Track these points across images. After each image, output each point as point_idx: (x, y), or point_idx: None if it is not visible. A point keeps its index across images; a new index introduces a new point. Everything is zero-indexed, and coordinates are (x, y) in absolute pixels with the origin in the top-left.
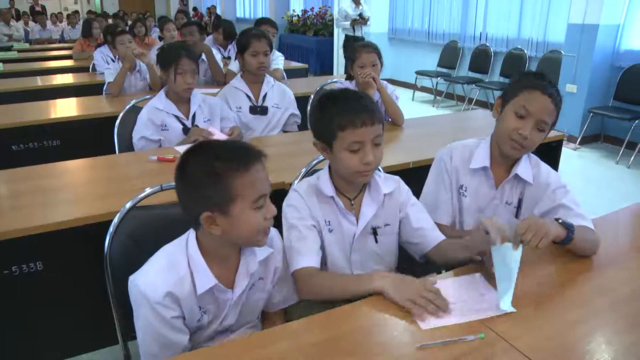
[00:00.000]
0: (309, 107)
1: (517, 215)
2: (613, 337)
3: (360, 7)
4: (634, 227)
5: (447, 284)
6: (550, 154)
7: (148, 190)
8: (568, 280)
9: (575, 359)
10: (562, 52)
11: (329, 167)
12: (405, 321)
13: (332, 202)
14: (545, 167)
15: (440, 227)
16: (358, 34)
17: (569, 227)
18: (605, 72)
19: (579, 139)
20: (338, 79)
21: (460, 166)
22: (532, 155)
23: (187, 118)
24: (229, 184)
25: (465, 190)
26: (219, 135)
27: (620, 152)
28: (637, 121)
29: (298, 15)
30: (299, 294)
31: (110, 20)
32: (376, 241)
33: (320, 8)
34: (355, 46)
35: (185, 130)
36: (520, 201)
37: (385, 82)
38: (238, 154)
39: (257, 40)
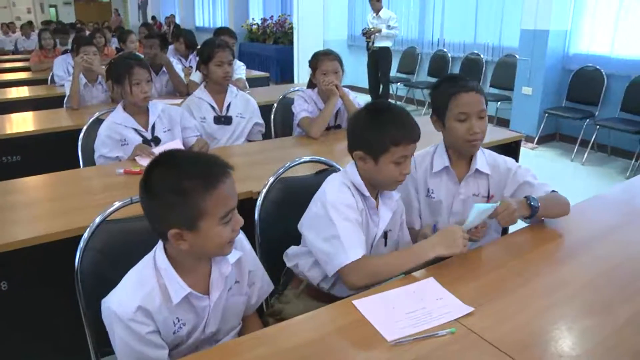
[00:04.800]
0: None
1: (487, 202)
2: (573, 324)
3: (378, 16)
4: (590, 221)
5: (403, 292)
6: (509, 154)
7: (118, 204)
8: (531, 274)
9: (540, 346)
10: (517, 56)
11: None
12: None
13: (365, 201)
14: (499, 156)
15: (411, 230)
16: (377, 45)
17: (533, 207)
18: (557, 75)
19: (536, 139)
20: (300, 87)
21: (426, 173)
22: (484, 149)
23: (147, 129)
24: (197, 202)
25: (433, 192)
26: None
27: (574, 150)
28: (588, 120)
29: (257, 23)
30: (352, 285)
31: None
32: (385, 244)
33: (279, 16)
34: (317, 54)
35: (145, 142)
36: (488, 191)
37: (347, 89)
38: (205, 171)
39: (221, 50)
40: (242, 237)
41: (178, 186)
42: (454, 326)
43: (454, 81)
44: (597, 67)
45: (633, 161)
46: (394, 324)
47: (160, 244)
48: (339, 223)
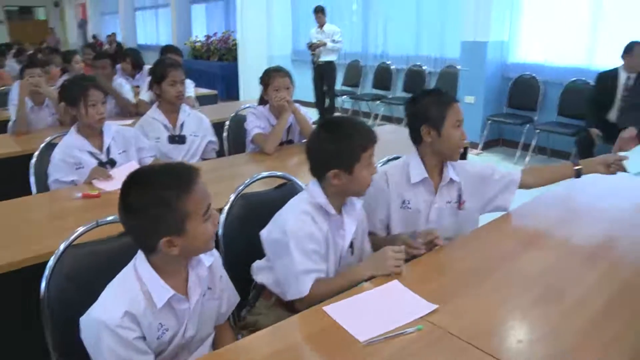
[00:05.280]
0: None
1: (459, 208)
2: (528, 312)
3: (322, 30)
4: (537, 218)
5: (370, 296)
6: None
7: (82, 229)
8: (488, 270)
9: (501, 334)
10: (458, 66)
11: (322, 189)
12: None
13: (330, 220)
14: (462, 162)
15: (375, 236)
16: (322, 59)
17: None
18: (497, 83)
19: (480, 145)
20: (251, 104)
21: (402, 184)
22: None
23: (101, 152)
24: (179, 207)
25: (409, 203)
26: (125, 174)
27: (517, 153)
28: (527, 125)
29: (201, 40)
30: (299, 309)
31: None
32: (352, 253)
33: (223, 33)
34: (268, 71)
35: (101, 164)
36: (459, 197)
37: (297, 105)
38: (178, 177)
39: (174, 69)
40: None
41: (158, 198)
42: (421, 323)
43: (441, 93)
44: (534, 75)
45: (571, 161)
46: (364, 325)
47: (140, 254)
48: (296, 255)
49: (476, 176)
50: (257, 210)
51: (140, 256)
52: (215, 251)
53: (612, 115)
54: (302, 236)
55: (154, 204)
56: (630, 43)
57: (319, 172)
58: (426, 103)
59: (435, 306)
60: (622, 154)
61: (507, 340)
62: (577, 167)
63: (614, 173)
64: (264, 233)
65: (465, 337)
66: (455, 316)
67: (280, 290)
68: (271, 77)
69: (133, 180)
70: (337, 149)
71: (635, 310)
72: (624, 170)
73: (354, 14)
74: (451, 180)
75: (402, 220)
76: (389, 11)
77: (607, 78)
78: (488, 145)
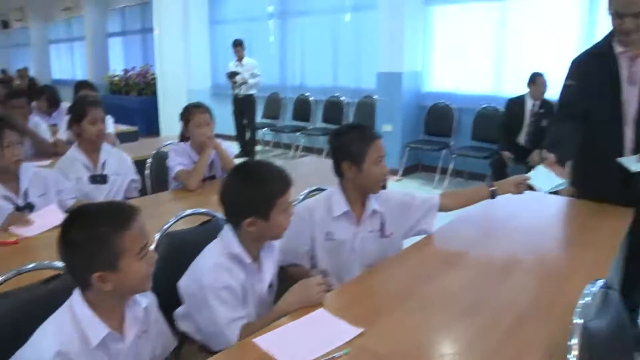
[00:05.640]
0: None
1: (382, 236)
2: (449, 329)
3: (241, 64)
4: (456, 238)
5: (298, 324)
6: None
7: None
8: (411, 290)
9: (425, 350)
10: (375, 96)
11: (237, 235)
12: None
13: (247, 269)
14: (384, 192)
15: (297, 267)
16: (242, 92)
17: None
18: (413, 112)
19: (400, 171)
20: (172, 141)
21: (325, 217)
22: None
23: (18, 195)
24: (114, 243)
25: (334, 235)
26: (44, 219)
27: (435, 178)
28: (444, 150)
29: (119, 75)
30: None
31: None
32: (269, 293)
33: (142, 67)
34: (188, 107)
35: (18, 209)
36: (382, 225)
37: (220, 139)
38: (117, 214)
39: (94, 107)
40: None
41: (96, 233)
42: (349, 347)
43: (363, 129)
44: (447, 103)
45: (486, 184)
46: (294, 353)
47: (75, 293)
48: (216, 307)
49: (398, 205)
50: (182, 248)
51: (76, 295)
52: (150, 293)
53: (521, 139)
54: (218, 288)
55: (90, 239)
56: (533, 74)
57: (234, 220)
58: (348, 139)
59: (360, 330)
60: (527, 174)
61: (431, 356)
62: (491, 189)
63: (521, 192)
64: (181, 284)
65: (392, 357)
66: (381, 337)
67: (205, 340)
68: (191, 113)
69: (74, 215)
70: (251, 197)
71: (545, 319)
72: (531, 189)
73: (271, 46)
74: (374, 211)
75: (327, 251)
76: (306, 43)
77: (515, 105)
78: (408, 171)
